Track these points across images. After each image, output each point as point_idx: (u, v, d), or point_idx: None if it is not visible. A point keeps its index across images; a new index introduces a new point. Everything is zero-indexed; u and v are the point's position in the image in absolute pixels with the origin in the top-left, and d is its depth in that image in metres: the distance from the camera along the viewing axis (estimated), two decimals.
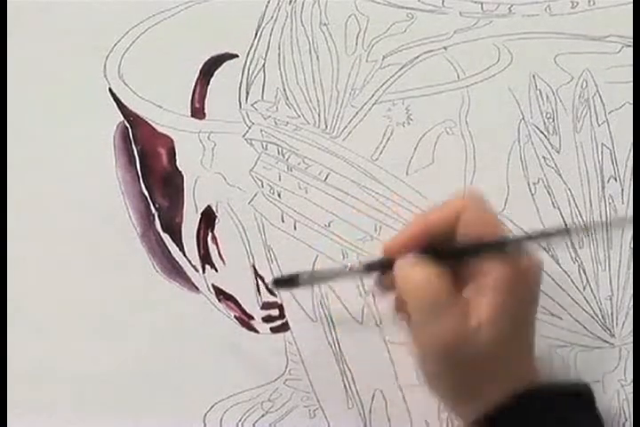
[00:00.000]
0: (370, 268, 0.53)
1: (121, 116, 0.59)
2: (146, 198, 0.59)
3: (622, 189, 0.59)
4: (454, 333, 0.49)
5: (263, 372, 0.58)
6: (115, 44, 0.59)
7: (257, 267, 0.59)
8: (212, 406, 0.58)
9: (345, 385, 0.58)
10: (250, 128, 0.59)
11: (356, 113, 0.59)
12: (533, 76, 0.59)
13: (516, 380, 0.50)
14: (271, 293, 0.59)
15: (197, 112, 0.59)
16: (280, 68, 0.59)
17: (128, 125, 0.59)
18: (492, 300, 0.49)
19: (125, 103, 0.59)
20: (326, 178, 0.59)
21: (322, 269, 0.55)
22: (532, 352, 0.52)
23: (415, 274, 0.50)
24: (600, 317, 0.58)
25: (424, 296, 0.49)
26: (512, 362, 0.50)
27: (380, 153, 0.59)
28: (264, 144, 0.59)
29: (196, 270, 0.59)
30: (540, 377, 0.52)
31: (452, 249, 0.51)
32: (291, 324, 0.58)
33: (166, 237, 0.59)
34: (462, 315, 0.49)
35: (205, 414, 0.58)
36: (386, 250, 0.52)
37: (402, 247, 0.51)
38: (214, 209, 0.59)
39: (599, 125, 0.59)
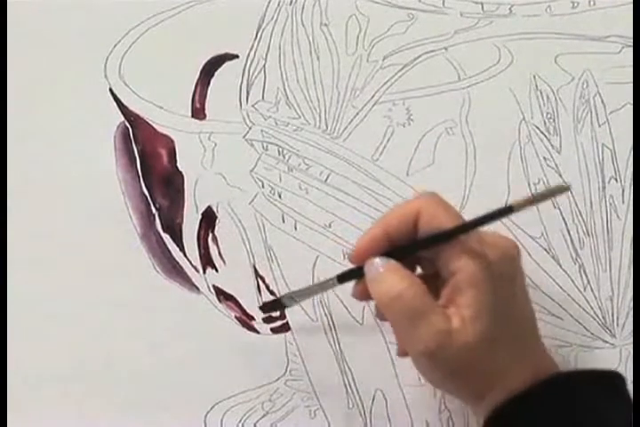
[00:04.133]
0: (343, 279, 0.51)
1: (121, 116, 0.59)
2: (146, 199, 0.59)
3: (623, 190, 0.59)
4: (437, 339, 0.48)
5: (264, 372, 0.58)
6: (115, 45, 0.59)
7: (257, 267, 0.59)
8: (213, 407, 0.58)
9: (345, 385, 0.58)
10: (250, 129, 0.59)
11: (357, 113, 0.59)
12: (534, 77, 0.59)
13: (527, 370, 0.49)
14: (272, 293, 0.59)
15: (198, 112, 0.59)
16: (280, 69, 0.59)
17: (129, 126, 0.59)
18: (470, 297, 0.48)
19: (126, 103, 0.59)
20: (327, 178, 0.59)
21: (300, 288, 0.54)
22: (535, 339, 0.51)
23: (386, 284, 0.49)
24: (601, 317, 0.58)
25: (399, 307, 0.48)
26: (514, 352, 0.49)
27: (381, 153, 0.59)
28: (265, 145, 0.59)
29: (197, 271, 0.59)
30: (555, 365, 0.51)
31: (413, 244, 0.50)
32: (291, 324, 0.58)
33: (167, 238, 0.59)
34: (442, 319, 0.48)
35: (206, 415, 0.58)
36: (353, 258, 0.51)
37: (367, 253, 0.50)
38: (215, 209, 0.59)
39: (600, 126, 0.59)
